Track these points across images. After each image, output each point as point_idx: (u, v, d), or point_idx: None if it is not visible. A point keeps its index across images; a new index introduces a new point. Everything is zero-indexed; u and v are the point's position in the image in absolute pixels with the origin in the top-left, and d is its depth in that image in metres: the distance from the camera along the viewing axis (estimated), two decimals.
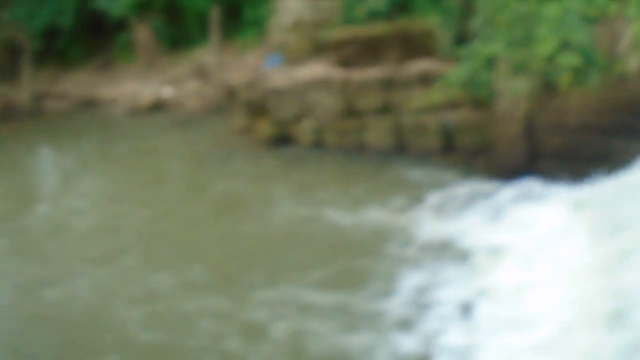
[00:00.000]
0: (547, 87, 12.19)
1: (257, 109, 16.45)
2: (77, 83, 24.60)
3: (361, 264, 10.62)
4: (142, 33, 23.13)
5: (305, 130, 15.34)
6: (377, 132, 14.47)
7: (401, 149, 14.41)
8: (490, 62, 12.65)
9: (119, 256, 11.87)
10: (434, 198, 12.49)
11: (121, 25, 24.22)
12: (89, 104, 23.26)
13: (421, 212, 12.13)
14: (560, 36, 11.54)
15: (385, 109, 14.35)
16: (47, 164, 19.24)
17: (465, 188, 12.71)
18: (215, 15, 19.74)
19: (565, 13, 11.61)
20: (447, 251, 10.73)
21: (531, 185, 12.34)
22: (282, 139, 15.96)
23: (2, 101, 24.48)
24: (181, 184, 15.44)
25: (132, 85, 22.28)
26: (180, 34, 23.28)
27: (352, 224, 12.01)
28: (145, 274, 11.04)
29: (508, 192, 12.27)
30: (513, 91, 12.26)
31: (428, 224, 11.65)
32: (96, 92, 23.35)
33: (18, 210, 14.88)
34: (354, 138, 14.81)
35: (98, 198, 15.37)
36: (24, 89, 24.41)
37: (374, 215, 12.17)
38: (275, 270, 10.80)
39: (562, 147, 12.38)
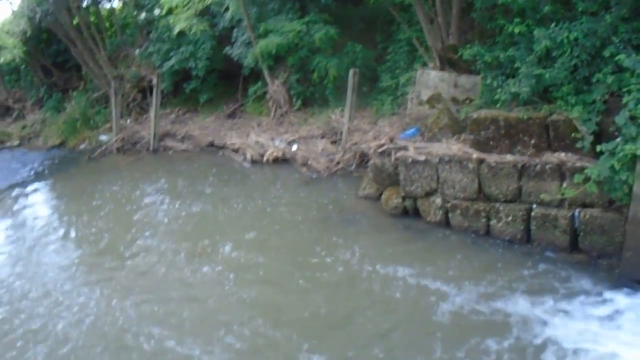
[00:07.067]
0: None
1: (387, 178, 16.39)
2: (203, 127, 25.17)
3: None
4: (275, 87, 23.47)
5: (433, 207, 15.03)
6: (505, 220, 13.97)
7: (527, 240, 13.85)
8: (631, 162, 12.17)
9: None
10: (553, 297, 11.97)
11: (254, 76, 24.78)
12: (212, 149, 23.70)
13: (539, 309, 11.65)
14: None
15: (516, 197, 13.92)
16: (160, 195, 19.74)
17: (589, 291, 12.03)
18: (354, 79, 19.77)
19: None
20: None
21: None
22: (407, 212, 15.77)
23: (127, 135, 25.39)
24: (294, 246, 15.22)
25: (259, 137, 22.47)
26: (313, 93, 23.46)
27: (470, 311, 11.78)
28: None
29: (632, 300, 11.56)
30: None
31: (544, 321, 11.27)
32: (220, 139, 23.77)
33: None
34: (481, 223, 14.38)
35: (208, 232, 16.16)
36: (149, 126, 25.16)
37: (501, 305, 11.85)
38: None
39: None
